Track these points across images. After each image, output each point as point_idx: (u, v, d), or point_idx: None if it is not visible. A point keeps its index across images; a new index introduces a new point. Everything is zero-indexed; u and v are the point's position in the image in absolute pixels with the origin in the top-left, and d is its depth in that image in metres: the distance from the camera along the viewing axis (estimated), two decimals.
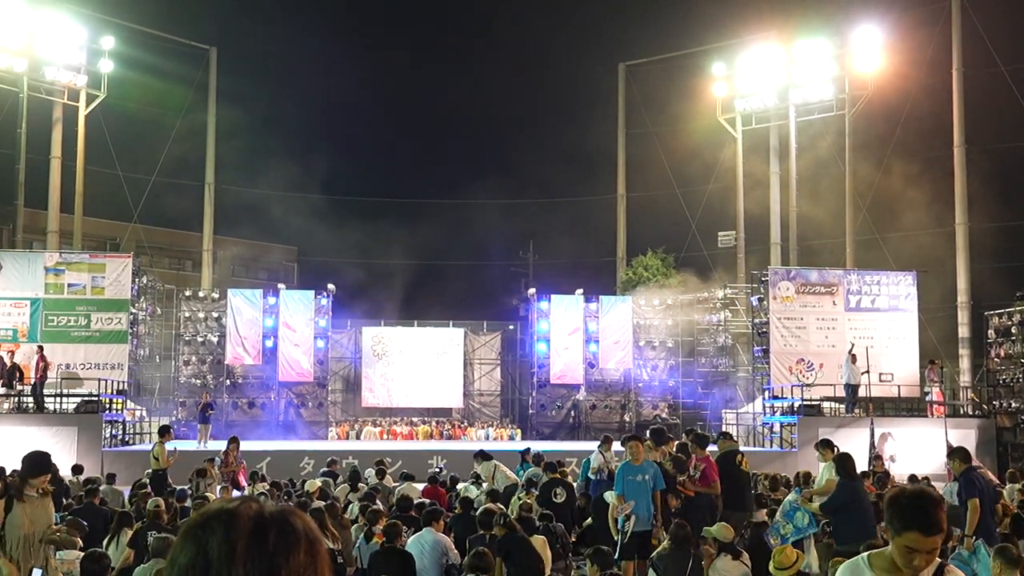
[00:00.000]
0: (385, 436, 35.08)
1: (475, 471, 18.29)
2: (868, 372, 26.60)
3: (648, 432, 14.96)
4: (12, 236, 37.09)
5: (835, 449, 12.92)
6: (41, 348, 27.31)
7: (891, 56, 37.69)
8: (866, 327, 31.43)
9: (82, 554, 9.56)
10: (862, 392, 27.56)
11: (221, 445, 26.12)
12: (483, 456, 17.88)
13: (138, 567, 9.65)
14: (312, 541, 1.73)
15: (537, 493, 15.18)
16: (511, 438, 35.28)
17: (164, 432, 18.96)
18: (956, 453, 11.57)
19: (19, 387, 26.68)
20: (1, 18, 34.61)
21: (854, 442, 25.44)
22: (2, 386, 26.61)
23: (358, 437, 34.44)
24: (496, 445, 31.78)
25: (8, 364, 26.55)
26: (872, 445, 24.04)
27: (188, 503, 14.08)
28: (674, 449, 14.90)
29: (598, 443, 17.59)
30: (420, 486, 17.52)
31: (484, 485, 16.63)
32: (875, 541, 10.57)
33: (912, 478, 18.02)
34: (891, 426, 27.13)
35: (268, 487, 16.66)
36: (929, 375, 29.19)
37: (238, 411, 34.80)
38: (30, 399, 26.63)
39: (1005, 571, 7.45)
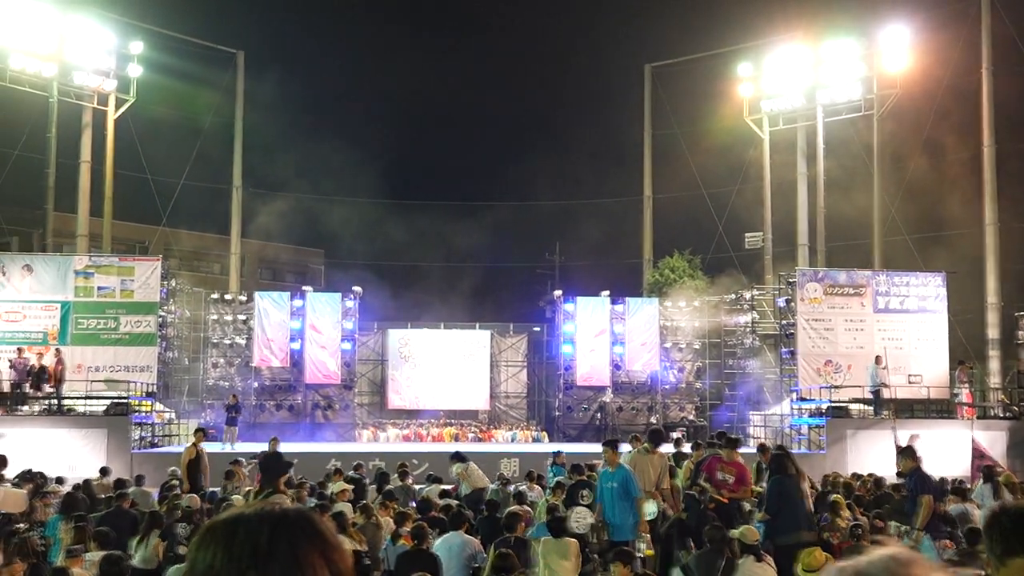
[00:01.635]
0: (412, 438, 35.14)
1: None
2: (887, 384, 26.42)
3: (648, 433, 14.78)
4: (42, 240, 37.43)
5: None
6: (59, 351, 27.53)
7: (919, 56, 37.39)
8: (895, 328, 31.19)
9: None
10: (887, 395, 27.36)
11: (247, 447, 26.34)
12: (458, 458, 17.67)
13: (172, 567, 9.71)
14: (328, 543, 1.73)
15: (564, 495, 15.14)
16: (536, 440, 35.24)
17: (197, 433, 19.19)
18: (905, 452, 11.84)
19: (48, 389, 26.89)
20: (31, 23, 34.94)
21: (882, 444, 25.33)
22: (29, 387, 26.82)
23: (375, 439, 34.47)
24: (521, 447, 31.82)
25: (37, 366, 26.77)
26: (898, 447, 23.79)
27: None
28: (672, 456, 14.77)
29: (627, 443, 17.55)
30: (448, 487, 17.55)
31: (462, 487, 16.59)
32: (807, 535, 10.79)
33: (942, 480, 17.84)
34: (919, 428, 26.87)
35: (293, 490, 16.71)
36: (959, 376, 28.94)
37: (265, 413, 34.96)
38: (55, 401, 26.88)
39: None
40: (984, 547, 3.10)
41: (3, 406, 26.63)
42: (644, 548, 11.51)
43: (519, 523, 11.07)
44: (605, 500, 11.50)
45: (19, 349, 27.24)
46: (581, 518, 12.23)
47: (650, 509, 11.87)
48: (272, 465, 8.72)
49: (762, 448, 15.02)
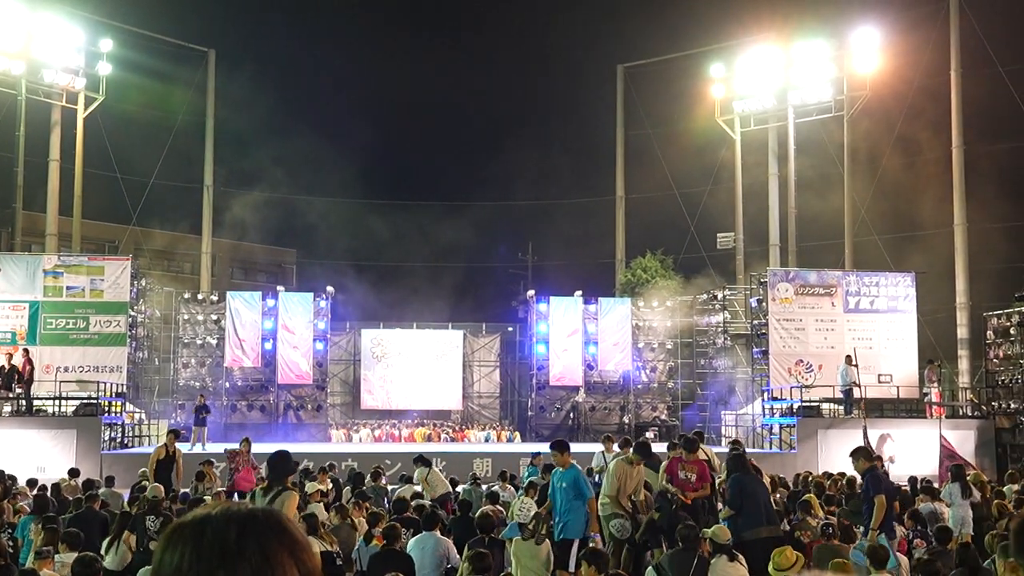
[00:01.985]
0: (384, 439, 35.08)
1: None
2: (857, 384, 26.65)
3: (635, 446, 14.76)
4: (11, 239, 37.08)
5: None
6: (27, 351, 27.22)
7: (889, 57, 37.69)
8: (865, 328, 31.43)
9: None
10: (857, 394, 27.58)
11: (217, 447, 26.19)
12: (421, 462, 17.56)
13: (143, 569, 9.63)
14: (297, 542, 1.72)
15: (537, 496, 15.14)
16: (510, 440, 35.27)
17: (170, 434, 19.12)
18: (859, 452, 12.00)
19: (18, 390, 26.62)
20: None
21: (853, 443, 25.49)
22: (1, 388, 26.52)
23: (348, 440, 34.36)
24: (494, 447, 31.84)
25: (7, 367, 26.49)
26: (868, 446, 23.98)
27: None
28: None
29: (600, 444, 17.59)
30: (419, 488, 17.50)
31: (425, 494, 16.45)
32: (768, 530, 10.99)
33: (912, 480, 18.02)
34: (890, 427, 27.13)
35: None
36: (928, 375, 29.22)
37: (237, 413, 34.79)
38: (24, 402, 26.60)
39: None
40: (1012, 549, 3.00)
41: None
42: (597, 541, 11.57)
43: (493, 524, 11.07)
44: (556, 499, 11.53)
45: None
46: (526, 508, 12.35)
47: (616, 526, 11.90)
48: (280, 464, 8.82)
49: (735, 444, 15.11)
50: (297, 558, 1.71)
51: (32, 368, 26.77)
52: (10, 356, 26.76)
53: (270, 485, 8.80)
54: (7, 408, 26.60)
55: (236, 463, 19.36)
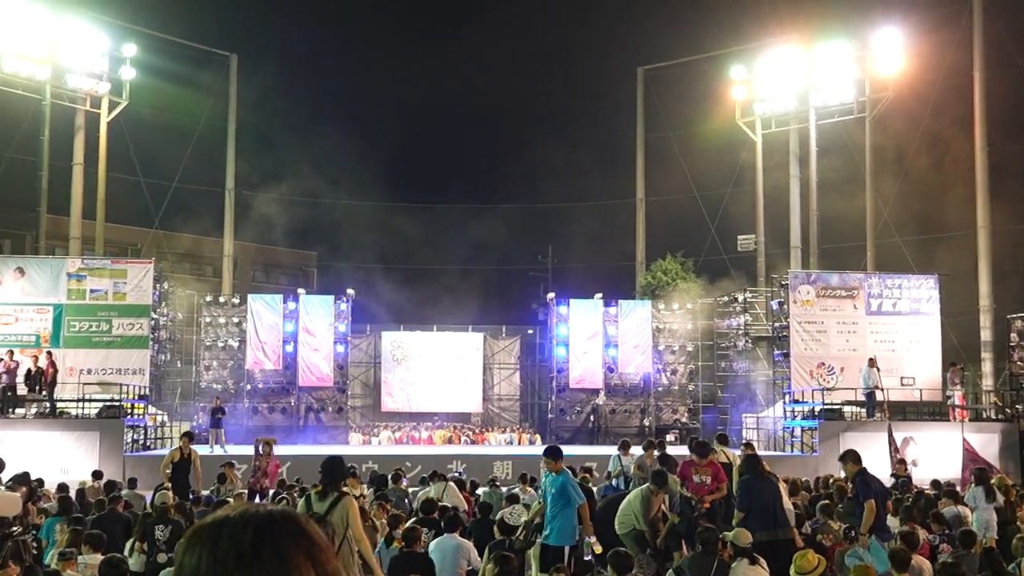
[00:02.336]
0: (405, 441, 35.13)
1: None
2: (881, 386, 26.55)
3: (653, 475, 14.69)
4: (35, 242, 37.35)
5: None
6: (50, 354, 27.40)
7: (912, 58, 37.48)
8: (887, 331, 31.26)
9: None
10: (880, 397, 27.43)
11: (236, 450, 26.34)
12: (437, 477, 17.38)
13: (162, 572, 9.69)
14: (315, 544, 1.73)
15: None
16: (530, 443, 35.28)
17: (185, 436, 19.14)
18: (847, 456, 11.97)
19: (43, 392, 26.79)
20: (24, 26, 34.86)
21: (876, 446, 25.38)
22: (28, 390, 26.69)
23: (367, 443, 34.43)
24: (514, 450, 31.85)
25: (33, 369, 26.65)
26: (895, 449, 23.86)
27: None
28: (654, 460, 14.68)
29: (617, 447, 17.52)
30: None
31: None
32: (776, 533, 10.96)
33: (935, 483, 17.88)
34: (912, 430, 26.95)
35: (286, 492, 16.71)
36: (951, 378, 28.99)
37: (258, 416, 34.92)
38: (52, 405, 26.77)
39: None
40: None
41: None
42: (592, 543, 11.51)
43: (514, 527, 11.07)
44: (547, 504, 11.52)
45: (9, 352, 27.12)
46: (516, 514, 12.36)
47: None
48: (334, 469, 8.95)
49: (748, 446, 15.03)
50: (315, 559, 1.72)
51: (56, 371, 26.96)
52: (35, 359, 26.96)
53: (325, 490, 8.88)
54: (32, 410, 26.78)
55: (261, 461, 19.37)
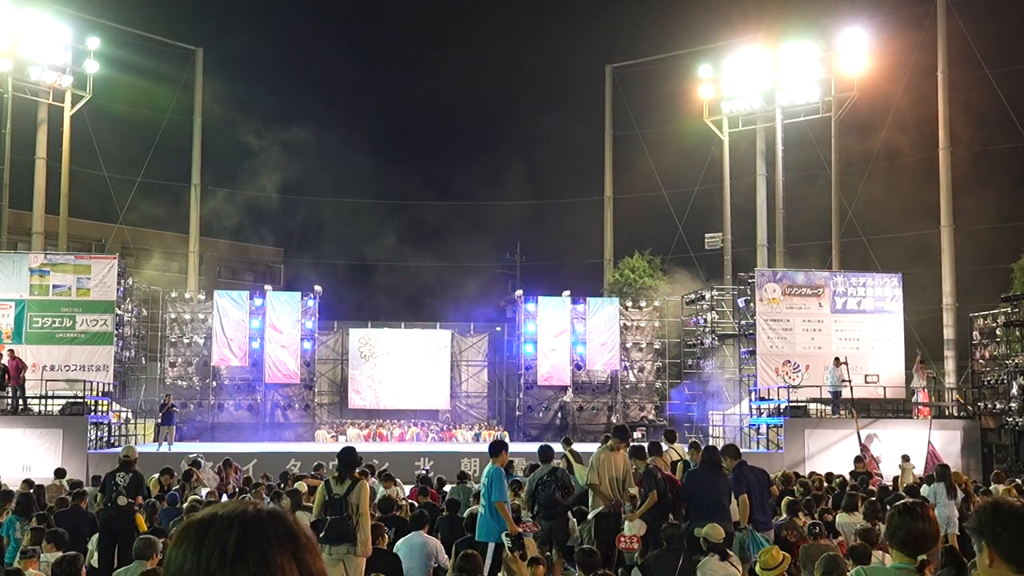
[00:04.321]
0: (372, 438, 35.02)
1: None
2: (849, 381, 26.79)
3: (614, 429, 14.67)
4: None
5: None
6: (12, 351, 26.95)
7: (877, 59, 37.83)
8: (852, 329, 31.54)
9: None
10: (846, 395, 27.66)
11: (189, 447, 26.17)
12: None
13: (121, 568, 9.60)
14: (300, 544, 1.73)
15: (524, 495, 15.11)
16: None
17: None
18: (727, 451, 12.27)
19: (5, 389, 26.39)
20: None
21: (841, 444, 25.63)
22: None
23: (335, 441, 34.28)
24: (484, 447, 31.79)
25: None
26: (861, 447, 24.09)
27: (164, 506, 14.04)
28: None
29: (599, 444, 17.51)
30: (407, 488, 17.51)
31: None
32: (716, 524, 10.71)
33: (896, 480, 18.04)
34: (876, 428, 27.20)
35: (254, 487, 16.65)
36: (916, 371, 29.19)
37: (225, 413, 34.71)
38: (14, 402, 26.35)
39: None
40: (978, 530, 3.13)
41: None
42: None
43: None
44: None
45: None
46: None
47: (631, 527, 11.66)
48: (349, 458, 10.16)
49: (694, 446, 15.08)
50: (300, 560, 1.71)
51: (21, 367, 26.47)
52: None
53: (342, 475, 10.03)
54: None
55: (226, 478, 19.28)
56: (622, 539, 11.60)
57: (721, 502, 11.42)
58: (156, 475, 16.25)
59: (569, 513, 12.94)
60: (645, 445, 14.13)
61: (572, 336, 36.28)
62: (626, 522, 11.71)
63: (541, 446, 13.31)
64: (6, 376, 26.03)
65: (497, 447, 11.91)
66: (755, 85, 39.62)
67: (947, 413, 29.91)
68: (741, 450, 24.32)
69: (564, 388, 36.52)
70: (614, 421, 35.50)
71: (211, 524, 1.71)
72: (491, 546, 11.10)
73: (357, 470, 10.36)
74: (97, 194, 40.07)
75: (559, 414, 36.56)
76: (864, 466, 20.20)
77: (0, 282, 29.19)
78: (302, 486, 15.73)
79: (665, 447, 15.52)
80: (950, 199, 36.35)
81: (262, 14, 54.21)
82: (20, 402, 26.16)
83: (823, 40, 38.48)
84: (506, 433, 36.24)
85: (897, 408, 30.15)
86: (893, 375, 31.00)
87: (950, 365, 35.28)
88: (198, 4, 47.35)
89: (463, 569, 8.68)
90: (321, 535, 9.71)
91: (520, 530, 10.98)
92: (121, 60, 39.31)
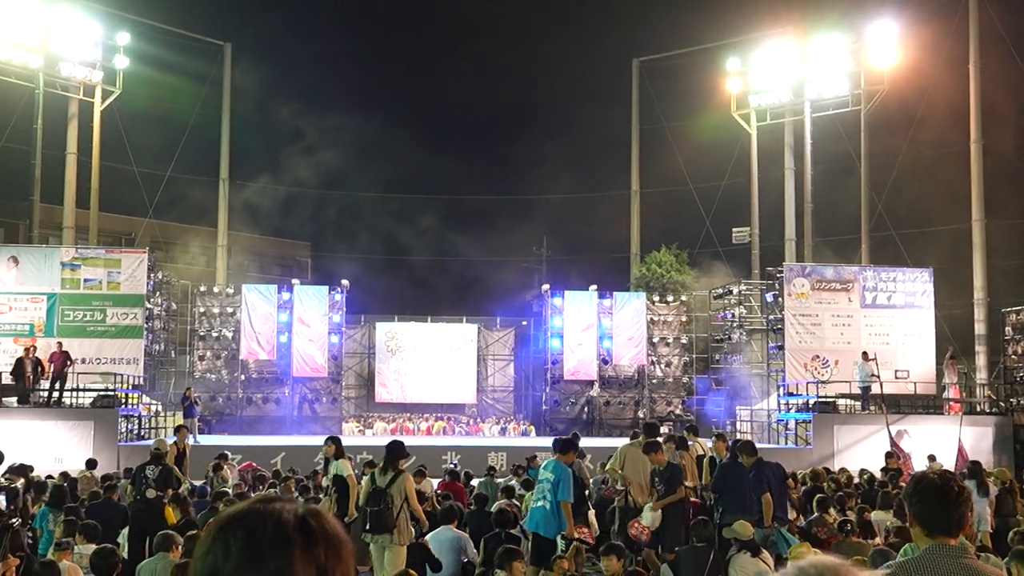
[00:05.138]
0: (399, 432, 35.10)
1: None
2: (878, 377, 26.59)
3: (644, 426, 14.64)
4: (28, 232, 37.22)
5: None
6: (60, 343, 27.24)
7: (907, 51, 37.48)
8: (882, 324, 31.31)
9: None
10: (875, 390, 27.46)
11: (230, 440, 26.30)
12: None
13: (143, 562, 9.68)
14: (332, 542, 1.72)
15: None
16: (524, 434, 35.33)
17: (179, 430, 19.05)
18: (743, 448, 12.22)
19: (43, 382, 26.55)
20: (17, 14, 34.72)
21: (870, 440, 25.45)
22: (33, 381, 26.34)
23: (362, 434, 34.39)
24: (510, 441, 31.88)
25: (27, 359, 26.38)
26: (892, 443, 23.90)
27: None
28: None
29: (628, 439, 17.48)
30: (435, 481, 17.55)
31: None
32: (750, 517, 10.88)
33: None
34: (906, 424, 26.98)
35: (283, 480, 16.75)
36: (947, 367, 28.93)
37: (252, 406, 34.90)
38: (49, 394, 26.52)
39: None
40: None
41: None
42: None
43: (510, 519, 11.05)
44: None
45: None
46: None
47: (649, 519, 11.55)
48: (395, 449, 10.81)
49: (719, 437, 15.02)
50: (328, 555, 1.71)
51: (68, 361, 26.61)
52: (34, 348, 26.68)
53: (386, 467, 10.44)
54: (14, 400, 26.51)
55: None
56: (635, 525, 11.60)
57: (752, 496, 11.40)
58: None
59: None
60: (661, 439, 13.97)
61: (599, 330, 36.20)
62: (646, 510, 11.63)
63: (556, 439, 13.08)
64: (40, 369, 26.20)
65: (567, 444, 11.55)
66: (783, 78, 39.39)
67: (978, 409, 29.63)
68: (769, 446, 24.33)
69: (591, 383, 36.47)
70: (641, 416, 35.46)
71: (242, 520, 1.71)
72: (527, 541, 11.01)
73: (402, 462, 10.71)
74: (127, 188, 40.36)
75: (585, 409, 36.52)
76: (896, 463, 20.04)
77: (32, 276, 29.45)
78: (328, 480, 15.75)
79: (689, 442, 15.51)
80: (982, 193, 35.96)
81: (290, 8, 54.37)
82: (57, 395, 26.39)
83: (852, 32, 38.19)
84: (532, 427, 36.30)
85: (927, 404, 29.91)
86: (923, 371, 30.76)
87: (982, 361, 34.91)
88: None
89: (501, 564, 8.66)
90: (365, 526, 10.22)
91: (577, 536, 10.79)
92: (150, 55, 39.59)
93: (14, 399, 26.34)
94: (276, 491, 15.11)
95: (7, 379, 26.33)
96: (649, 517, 11.38)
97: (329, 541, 1.72)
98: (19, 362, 25.94)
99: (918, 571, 3.72)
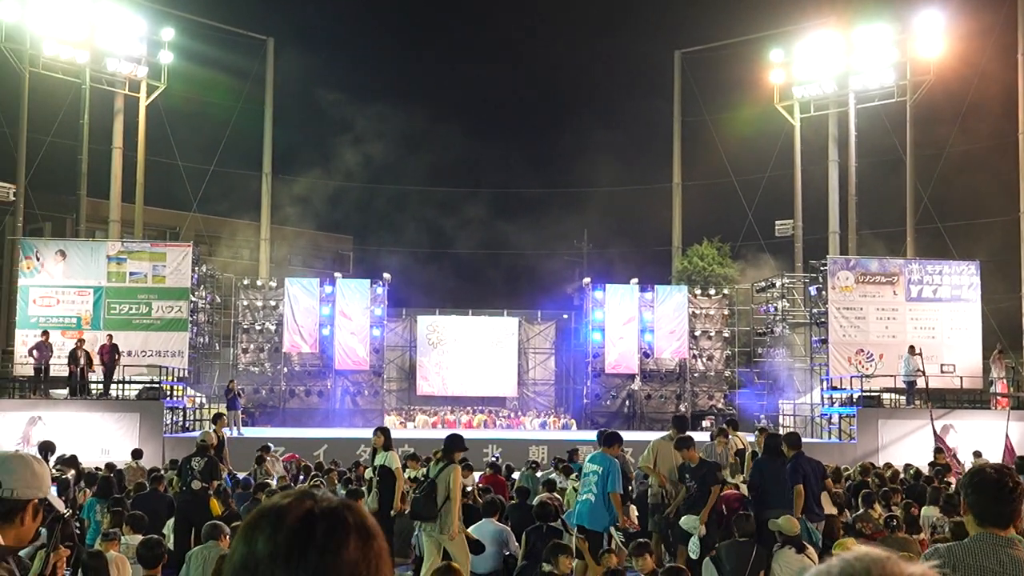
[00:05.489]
0: (440, 425, 35.23)
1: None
2: (923, 372, 26.25)
3: (673, 419, 14.55)
4: (75, 225, 37.75)
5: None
6: (110, 336, 27.60)
7: (953, 41, 36.95)
8: (927, 317, 30.93)
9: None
10: (921, 384, 27.13)
11: (273, 432, 26.48)
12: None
13: (194, 548, 9.80)
14: (366, 536, 1.72)
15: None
16: (565, 427, 35.31)
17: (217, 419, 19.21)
18: (788, 439, 12.19)
19: (90, 375, 26.89)
20: (63, 11, 35.19)
21: (916, 435, 25.13)
22: (79, 372, 26.73)
23: (403, 427, 34.47)
24: (552, 434, 31.87)
25: (80, 352, 26.74)
26: (937, 438, 23.58)
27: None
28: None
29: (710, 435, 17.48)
30: (476, 475, 17.57)
31: None
32: (784, 510, 10.72)
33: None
34: (952, 419, 26.65)
35: (325, 473, 16.85)
36: (995, 362, 28.53)
37: (295, 399, 35.15)
38: (105, 387, 26.89)
39: None
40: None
41: (37, 390, 26.83)
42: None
43: (552, 512, 11.03)
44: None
45: (44, 333, 27.38)
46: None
47: (691, 525, 11.39)
48: (451, 441, 10.83)
49: (763, 431, 14.94)
50: (363, 549, 1.71)
51: (116, 353, 26.98)
52: (81, 342, 27.06)
53: (440, 458, 10.67)
54: (66, 391, 26.91)
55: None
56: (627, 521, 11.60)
57: (815, 493, 11.37)
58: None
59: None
60: (691, 433, 13.73)
61: (640, 324, 36.07)
62: (685, 519, 11.38)
63: (600, 432, 13.06)
64: (90, 361, 26.51)
65: (611, 437, 11.54)
66: (827, 69, 38.97)
67: None
68: (812, 440, 24.14)
69: (632, 376, 36.37)
70: (682, 410, 35.32)
71: (269, 517, 1.72)
72: (568, 535, 10.98)
73: (458, 454, 10.76)
74: (172, 183, 40.83)
75: (627, 402, 36.42)
76: (944, 458, 19.79)
77: (79, 269, 29.85)
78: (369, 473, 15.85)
79: (729, 436, 15.43)
80: None
81: (332, 2, 54.67)
82: (103, 387, 26.76)
83: (898, 22, 37.72)
84: (573, 421, 36.26)
85: (974, 399, 29.51)
86: (970, 365, 30.34)
87: None
88: None
89: (549, 556, 8.66)
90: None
91: (627, 525, 10.90)
92: (194, 51, 39.99)
93: (63, 391, 26.76)
94: (321, 483, 15.22)
95: (54, 371, 26.76)
96: (690, 523, 11.22)
97: (363, 534, 1.72)
98: (72, 354, 26.34)
99: (966, 556, 3.90)
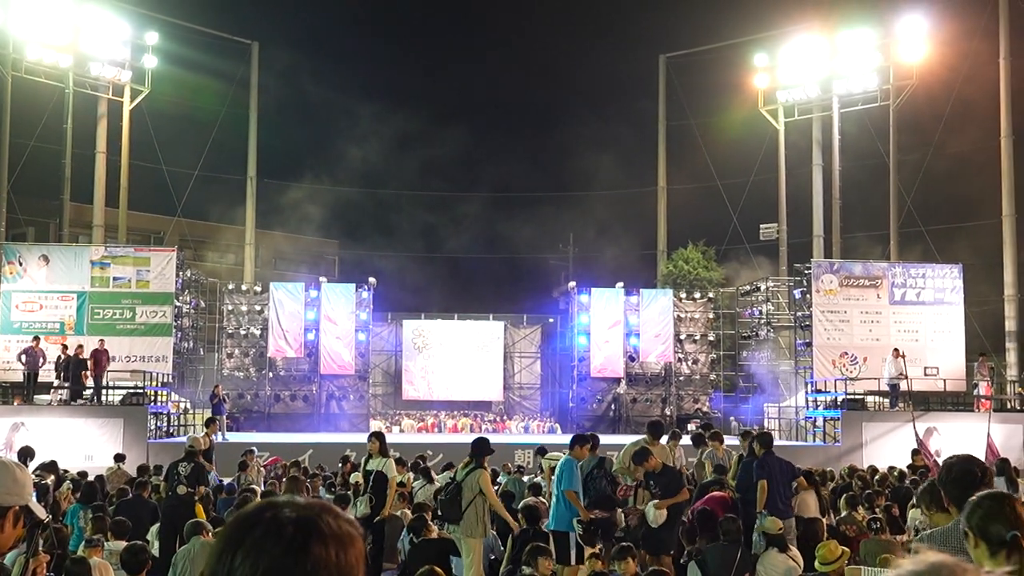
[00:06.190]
0: (427, 429, 35.21)
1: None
2: (906, 375, 26.38)
3: (647, 425, 14.60)
4: (59, 230, 37.55)
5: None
6: (102, 341, 27.45)
7: (936, 45, 37.16)
8: (911, 320, 31.06)
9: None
10: (904, 387, 27.27)
11: (257, 437, 26.39)
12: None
13: (179, 551, 9.80)
14: (340, 542, 1.72)
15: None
16: (551, 431, 35.31)
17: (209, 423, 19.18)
18: (760, 439, 12.40)
19: (88, 380, 26.74)
20: (47, 15, 35.04)
21: (899, 437, 25.26)
22: (61, 379, 26.61)
23: (389, 432, 34.41)
24: (537, 438, 31.84)
25: (63, 356, 26.63)
26: (917, 440, 23.71)
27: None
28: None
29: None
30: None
31: None
32: (775, 517, 10.90)
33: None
34: (936, 421, 26.78)
35: (310, 478, 16.82)
36: (980, 369, 28.71)
37: (280, 403, 35.06)
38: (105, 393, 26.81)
39: None
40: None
41: (20, 396, 26.71)
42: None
43: (539, 515, 11.05)
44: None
45: (35, 338, 27.27)
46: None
47: (652, 516, 11.44)
48: (478, 446, 11.17)
49: (745, 435, 14.97)
50: (339, 554, 1.71)
51: (106, 359, 26.88)
52: (65, 347, 26.97)
53: (468, 461, 10.84)
54: (57, 397, 26.82)
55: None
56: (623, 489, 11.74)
57: (781, 491, 11.43)
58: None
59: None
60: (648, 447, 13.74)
61: (625, 327, 36.10)
62: (649, 507, 11.48)
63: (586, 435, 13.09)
64: (83, 366, 26.39)
65: (575, 439, 11.91)
66: (811, 74, 39.15)
67: (1009, 407, 29.37)
68: (797, 443, 24.28)
69: (617, 380, 36.40)
70: (668, 413, 35.40)
71: (245, 523, 1.72)
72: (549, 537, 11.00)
73: (486, 458, 11.01)
74: (156, 187, 40.68)
75: (612, 406, 36.46)
76: (922, 459, 19.90)
77: (62, 274, 29.69)
78: (356, 477, 15.83)
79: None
80: (1012, 188, 35.60)
81: (316, 7, 54.59)
82: (95, 392, 26.65)
83: (881, 27, 37.91)
84: (558, 425, 36.27)
85: (957, 401, 29.66)
86: (953, 367, 30.48)
87: (1012, 358, 34.60)
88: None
89: (529, 560, 8.69)
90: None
91: (592, 516, 11.02)
92: (178, 55, 39.87)
93: (46, 396, 26.63)
94: (307, 485, 15.20)
95: (43, 377, 26.66)
96: (652, 514, 11.31)
97: (340, 539, 1.72)
98: (66, 361, 26.26)
99: (943, 541, 4.24)
